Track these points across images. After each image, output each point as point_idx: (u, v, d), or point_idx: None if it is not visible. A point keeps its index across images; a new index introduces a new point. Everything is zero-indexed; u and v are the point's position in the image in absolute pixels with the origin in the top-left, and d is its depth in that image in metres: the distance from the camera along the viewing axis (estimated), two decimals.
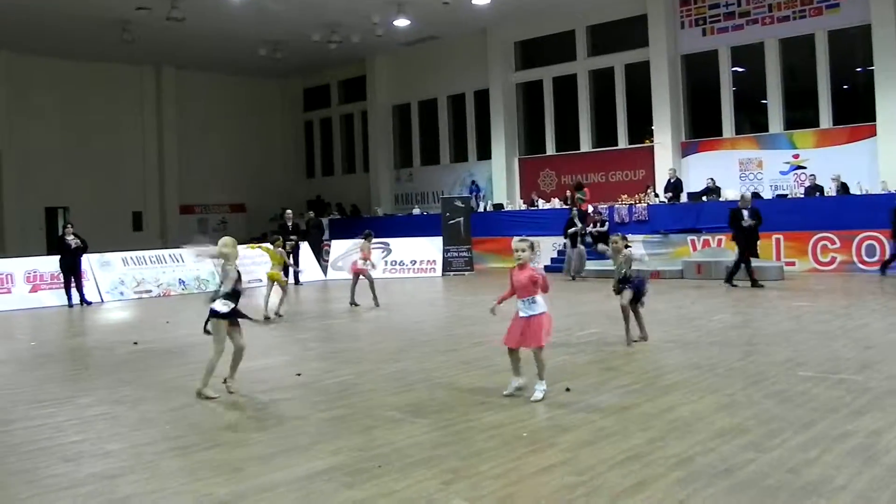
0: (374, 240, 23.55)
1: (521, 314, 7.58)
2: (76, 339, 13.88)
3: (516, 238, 7.74)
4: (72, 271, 18.54)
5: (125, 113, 32.88)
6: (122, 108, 32.77)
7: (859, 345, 9.83)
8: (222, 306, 8.41)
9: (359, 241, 16.79)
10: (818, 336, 10.62)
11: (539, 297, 7.56)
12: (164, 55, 31.76)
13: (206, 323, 8.45)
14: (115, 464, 5.95)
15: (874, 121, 21.49)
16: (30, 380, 9.54)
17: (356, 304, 15.86)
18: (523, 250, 7.61)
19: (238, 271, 8.62)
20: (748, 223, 17.16)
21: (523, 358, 7.71)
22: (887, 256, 18.11)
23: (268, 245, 16.79)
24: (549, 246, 24.17)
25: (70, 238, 18.70)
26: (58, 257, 18.71)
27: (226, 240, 8.82)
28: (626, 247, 10.52)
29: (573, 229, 20.91)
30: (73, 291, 18.57)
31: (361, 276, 15.99)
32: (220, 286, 8.33)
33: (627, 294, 10.28)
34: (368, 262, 16.14)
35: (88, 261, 19.34)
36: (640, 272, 10.60)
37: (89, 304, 18.63)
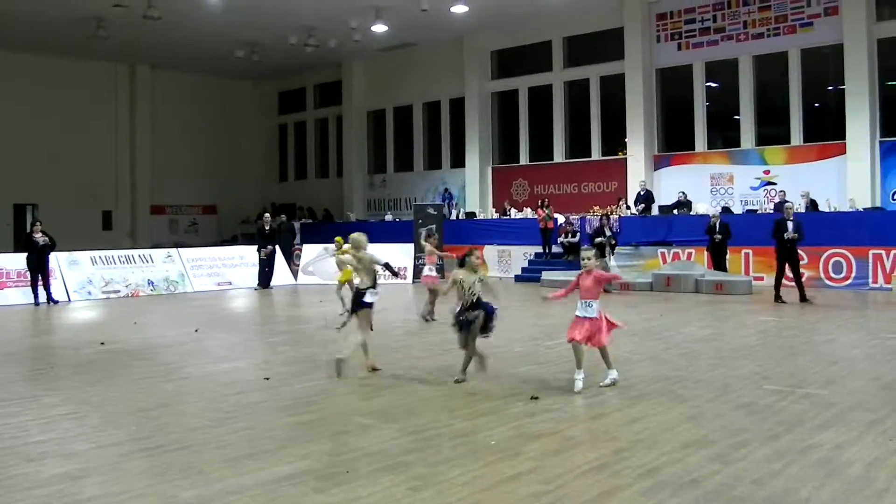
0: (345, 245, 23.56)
1: (579, 314, 8.28)
2: (42, 339, 13.73)
3: (585, 251, 8.69)
4: (39, 269, 18.34)
5: (98, 111, 32.58)
6: (95, 106, 32.46)
7: (824, 360, 9.94)
8: (372, 297, 9.34)
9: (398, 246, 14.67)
10: (784, 350, 10.73)
11: (595, 303, 8.28)
12: (138, 54, 31.52)
13: (352, 313, 9.30)
14: (79, 464, 5.89)
15: (844, 139, 21.76)
16: None
17: (432, 319, 13.75)
18: (589, 258, 8.48)
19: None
20: (790, 236, 16.60)
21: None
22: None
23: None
24: (519, 255, 24.28)
25: (38, 236, 18.50)
26: (25, 255, 18.50)
27: (361, 238, 9.76)
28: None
29: (599, 239, 20.38)
30: (40, 290, 18.37)
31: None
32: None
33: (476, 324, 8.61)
34: (432, 266, 14.61)
35: (56, 259, 19.15)
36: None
37: (56, 302, 18.44)
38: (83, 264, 19.82)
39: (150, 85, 33.85)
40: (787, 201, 18.61)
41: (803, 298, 16.43)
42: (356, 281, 9.73)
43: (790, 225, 16.64)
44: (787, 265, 16.72)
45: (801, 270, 19.25)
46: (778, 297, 16.52)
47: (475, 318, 8.49)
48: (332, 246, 15.38)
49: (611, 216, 21.21)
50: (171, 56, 31.89)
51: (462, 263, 8.75)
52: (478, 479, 5.47)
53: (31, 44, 29.00)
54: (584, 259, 8.56)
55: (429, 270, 14.40)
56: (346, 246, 15.80)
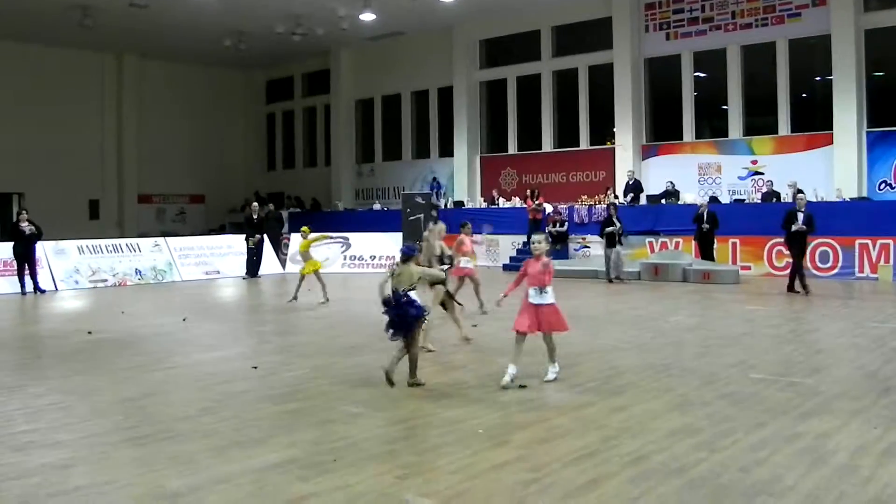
0: (334, 234, 23.57)
1: (532, 301, 8.00)
2: (28, 328, 13.69)
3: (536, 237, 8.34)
4: (25, 258, 18.26)
5: (84, 100, 32.34)
6: (82, 95, 32.22)
7: (810, 349, 10.00)
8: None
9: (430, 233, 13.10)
10: (770, 339, 10.78)
11: (550, 288, 8.02)
12: (125, 43, 31.30)
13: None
14: (66, 454, 5.88)
15: (831, 129, 21.81)
16: None
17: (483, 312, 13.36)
18: (539, 242, 8.22)
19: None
20: (799, 228, 16.34)
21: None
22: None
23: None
24: (507, 244, 24.31)
25: (24, 225, 18.41)
26: (11, 244, 18.41)
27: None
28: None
29: (610, 229, 19.67)
30: (27, 279, 18.29)
31: (468, 279, 13.66)
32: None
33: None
34: (468, 258, 13.78)
35: (43, 248, 19.06)
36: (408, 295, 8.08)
37: (43, 292, 18.37)
38: (70, 253, 19.74)
39: (137, 74, 33.62)
40: (800, 191, 18.29)
41: (791, 288, 16.38)
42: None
43: (801, 216, 16.42)
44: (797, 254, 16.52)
45: (789, 261, 19.41)
46: (791, 288, 16.35)
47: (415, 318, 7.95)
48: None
49: (618, 206, 20.75)
50: (158, 45, 31.69)
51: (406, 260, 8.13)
52: (465, 468, 5.48)
53: (17, 32, 28.75)
54: (533, 243, 8.25)
55: (466, 262, 13.68)
56: (312, 235, 16.06)
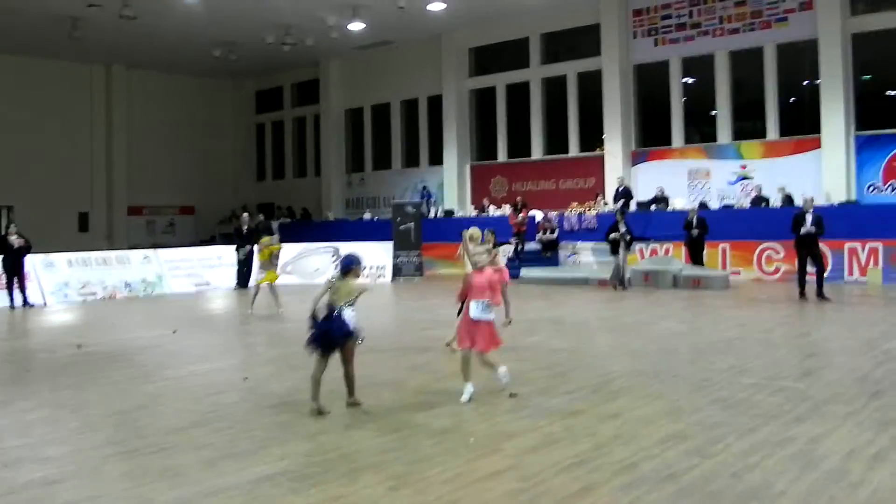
0: (323, 244, 23.58)
1: (472, 315, 7.67)
2: (18, 342, 13.62)
3: (468, 232, 8.04)
4: (14, 272, 18.16)
5: (73, 111, 32.28)
6: (71, 107, 32.15)
7: (801, 353, 10.02)
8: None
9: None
10: (761, 344, 10.80)
11: (493, 305, 7.75)
12: (114, 54, 31.23)
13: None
14: (55, 469, 5.85)
15: (819, 133, 21.88)
16: None
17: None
18: (481, 255, 7.89)
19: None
20: (808, 230, 15.88)
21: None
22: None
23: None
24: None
25: (13, 238, 18.33)
26: (0, 257, 18.32)
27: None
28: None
29: (613, 235, 19.28)
30: (16, 293, 18.19)
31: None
32: None
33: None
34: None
35: (32, 261, 18.96)
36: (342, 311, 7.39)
37: (32, 306, 18.27)
38: (59, 266, 19.65)
39: (126, 85, 33.55)
40: (807, 197, 17.19)
41: (821, 294, 15.65)
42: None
43: (809, 218, 15.98)
44: (808, 259, 16.07)
45: (779, 266, 19.50)
46: (802, 295, 15.83)
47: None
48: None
49: (625, 212, 20.39)
50: (147, 56, 31.63)
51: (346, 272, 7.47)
52: (456, 478, 5.48)
53: (5, 43, 28.66)
54: (474, 255, 7.94)
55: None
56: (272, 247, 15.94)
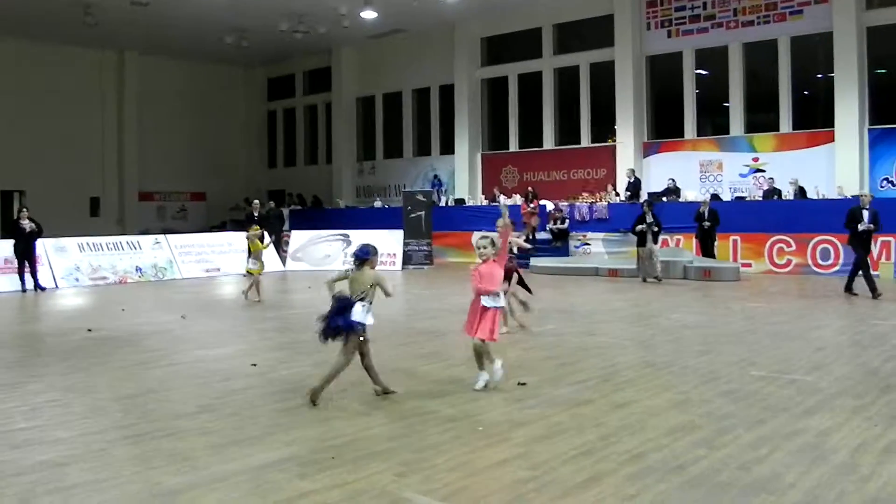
0: (333, 231, 23.61)
1: (484, 303, 7.67)
2: (28, 326, 13.67)
3: (477, 235, 7.80)
4: (26, 256, 18.24)
5: (86, 97, 32.35)
6: (83, 93, 32.23)
7: (811, 346, 9.97)
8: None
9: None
10: (771, 337, 10.75)
11: (501, 293, 7.79)
12: (127, 40, 31.28)
13: None
14: (64, 451, 5.86)
15: (832, 127, 21.79)
16: None
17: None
18: (485, 247, 7.82)
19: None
20: (865, 227, 15.13)
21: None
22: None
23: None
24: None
25: (25, 222, 18.39)
26: (11, 242, 18.39)
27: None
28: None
29: (640, 227, 18.76)
30: (27, 277, 18.27)
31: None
32: None
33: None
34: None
35: (43, 246, 19.04)
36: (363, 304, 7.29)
37: (43, 289, 18.35)
38: (70, 251, 19.72)
39: (138, 71, 33.60)
40: (863, 192, 16.90)
41: (850, 289, 15.32)
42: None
43: (866, 214, 15.19)
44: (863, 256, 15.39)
45: (790, 258, 19.42)
46: (849, 289, 15.35)
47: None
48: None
49: (653, 203, 19.81)
50: (159, 42, 31.68)
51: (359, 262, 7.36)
52: (464, 465, 5.47)
53: (18, 29, 28.77)
54: (478, 248, 7.91)
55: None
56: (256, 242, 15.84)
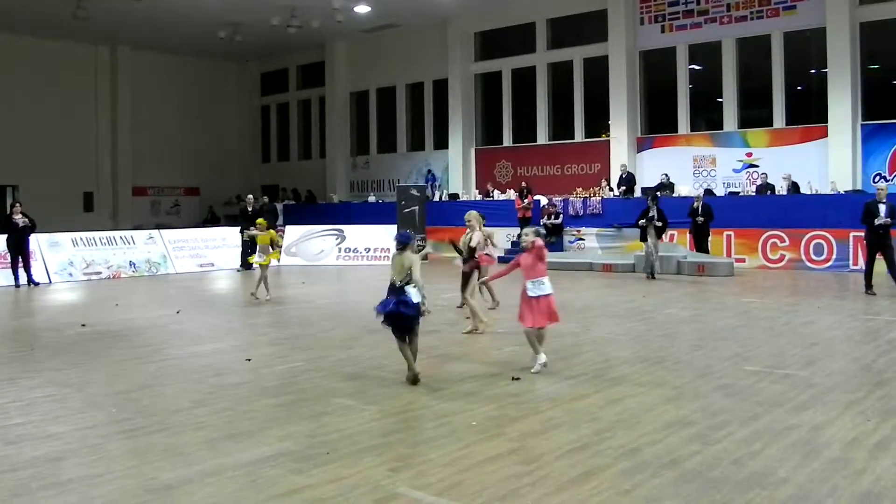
0: (328, 226, 23.60)
1: (530, 294, 8.18)
2: (22, 321, 13.64)
3: (529, 229, 8.54)
4: (19, 251, 18.20)
5: (79, 92, 32.23)
6: (76, 87, 32.11)
7: (805, 341, 10.00)
8: None
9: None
10: (765, 332, 10.78)
11: (546, 279, 8.23)
12: (119, 35, 31.19)
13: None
14: (58, 447, 5.87)
15: (826, 122, 21.82)
16: None
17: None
18: (527, 235, 8.38)
19: None
20: (882, 221, 14.54)
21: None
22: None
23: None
24: (502, 237, 24.24)
25: (18, 217, 18.35)
26: (4, 236, 18.35)
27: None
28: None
29: (642, 221, 18.37)
30: (21, 272, 18.24)
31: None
32: None
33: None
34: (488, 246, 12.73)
35: (37, 241, 19.01)
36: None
37: (37, 284, 18.31)
38: (64, 246, 19.69)
39: (131, 66, 33.50)
40: (889, 179, 16.11)
41: (870, 288, 14.73)
42: None
43: (883, 208, 14.61)
44: (878, 253, 14.92)
45: (784, 254, 19.45)
46: (869, 288, 14.74)
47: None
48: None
49: (657, 197, 19.22)
50: (152, 37, 31.57)
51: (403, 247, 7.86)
52: (459, 460, 5.48)
53: (11, 24, 28.66)
54: (523, 237, 8.46)
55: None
56: (264, 234, 15.48)
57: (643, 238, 18.55)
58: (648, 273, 18.30)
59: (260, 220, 16.01)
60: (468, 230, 11.76)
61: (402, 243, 7.87)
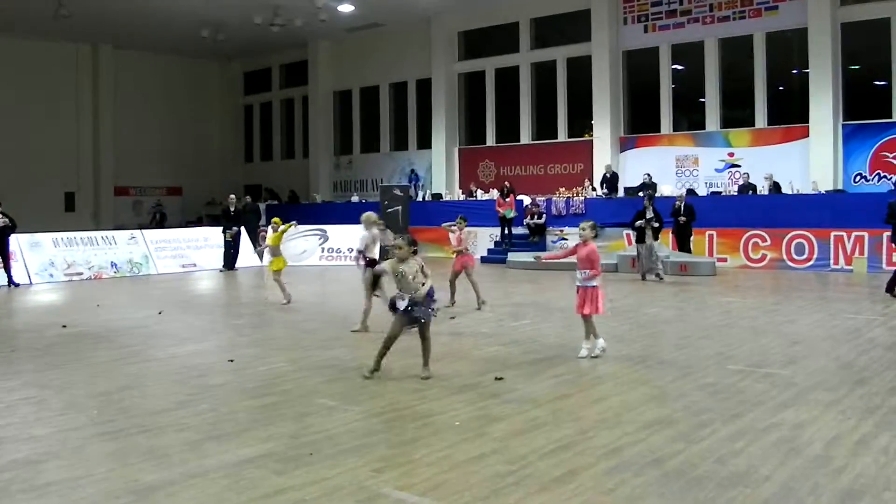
0: (310, 226, 23.50)
1: (578, 284, 8.94)
2: (2, 322, 13.51)
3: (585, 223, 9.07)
4: None
5: (60, 91, 32.03)
6: (57, 87, 31.91)
7: (786, 340, 10.05)
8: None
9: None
10: (747, 331, 10.83)
11: (591, 272, 8.83)
12: (101, 33, 31.04)
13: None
14: (39, 449, 5.82)
15: (807, 122, 21.94)
16: None
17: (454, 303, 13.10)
18: (584, 229, 8.96)
19: None
20: None
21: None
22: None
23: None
24: (486, 237, 24.28)
25: None
26: None
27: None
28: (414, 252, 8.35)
29: (639, 222, 17.95)
30: (1, 272, 18.08)
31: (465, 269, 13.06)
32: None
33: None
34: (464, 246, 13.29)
35: (17, 241, 18.83)
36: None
37: (17, 285, 18.15)
38: (45, 246, 19.53)
39: (113, 65, 33.34)
40: (870, 179, 16.10)
41: (892, 290, 14.05)
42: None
43: None
44: None
45: (765, 253, 19.55)
46: (891, 289, 14.07)
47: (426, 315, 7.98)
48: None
49: (653, 196, 19.01)
50: (134, 36, 31.43)
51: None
52: (442, 460, 5.48)
53: None
54: (581, 229, 8.98)
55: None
56: (283, 227, 15.15)
57: (640, 240, 18.05)
58: (649, 275, 17.82)
59: (275, 220, 15.28)
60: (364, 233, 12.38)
61: (412, 244, 8.34)
